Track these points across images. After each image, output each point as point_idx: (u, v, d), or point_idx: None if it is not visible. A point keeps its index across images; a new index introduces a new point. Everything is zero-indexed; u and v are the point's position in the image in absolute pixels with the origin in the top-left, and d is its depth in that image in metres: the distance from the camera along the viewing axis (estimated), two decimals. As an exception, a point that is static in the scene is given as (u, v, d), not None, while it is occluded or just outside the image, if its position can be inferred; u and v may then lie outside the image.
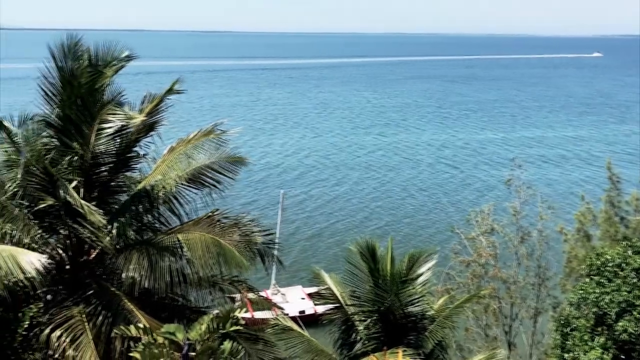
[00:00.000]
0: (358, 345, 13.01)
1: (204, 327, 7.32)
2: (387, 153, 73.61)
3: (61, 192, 10.32)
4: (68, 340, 10.19)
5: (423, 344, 12.99)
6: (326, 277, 14.31)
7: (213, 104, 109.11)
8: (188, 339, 7.02)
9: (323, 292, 14.10)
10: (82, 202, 10.19)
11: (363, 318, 13.22)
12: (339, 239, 40.42)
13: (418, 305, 12.95)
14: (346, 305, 13.63)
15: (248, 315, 11.95)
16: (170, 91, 12.69)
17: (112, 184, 12.27)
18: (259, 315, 14.45)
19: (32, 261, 10.51)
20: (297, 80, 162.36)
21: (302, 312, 27.75)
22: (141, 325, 7.37)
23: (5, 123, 11.75)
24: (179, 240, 11.61)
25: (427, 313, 13.26)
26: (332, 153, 72.15)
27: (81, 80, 11.35)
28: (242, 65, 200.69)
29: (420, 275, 13.19)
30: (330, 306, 13.89)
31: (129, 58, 12.32)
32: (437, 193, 55.72)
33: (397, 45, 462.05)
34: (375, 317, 12.94)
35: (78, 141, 11.39)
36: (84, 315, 10.66)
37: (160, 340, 6.91)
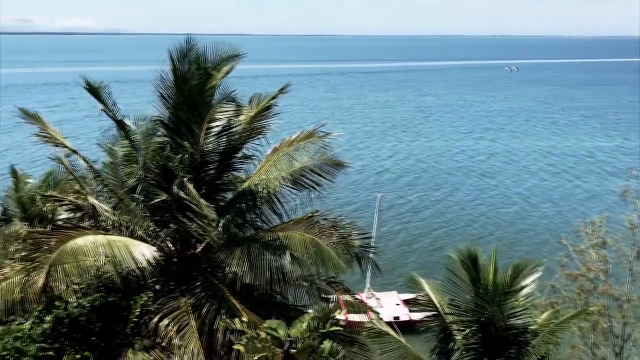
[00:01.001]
0: (456, 355, 12.65)
1: (304, 325, 7.42)
2: (491, 158, 70.95)
3: (174, 187, 10.87)
4: (174, 329, 10.73)
5: (524, 358, 12.39)
6: (424, 283, 14.05)
7: (315, 106, 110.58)
8: (289, 336, 7.15)
9: (420, 298, 13.85)
10: (197, 196, 10.65)
11: (462, 328, 12.83)
12: (436, 246, 39.56)
13: (521, 318, 12.38)
14: (444, 313, 13.30)
15: (342, 317, 12.00)
16: (277, 95, 13.04)
17: (218, 182, 12.75)
18: (352, 318, 14.46)
19: (144, 252, 11.21)
20: (398, 83, 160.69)
21: (396, 318, 27.43)
22: (245, 319, 7.60)
23: (126, 122, 12.60)
24: (279, 239, 11.89)
25: (530, 327, 12.64)
26: (432, 157, 70.66)
27: (192, 82, 11.92)
28: (344, 69, 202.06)
29: (524, 287, 12.61)
30: (427, 314, 13.62)
31: (236, 60, 12.76)
32: (543, 202, 52.79)
33: (503, 48, 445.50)
34: (474, 328, 12.52)
35: (189, 140, 11.96)
36: (189, 307, 11.18)
37: (262, 335, 7.09)
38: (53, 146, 12.91)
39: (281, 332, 7.15)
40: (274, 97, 13.26)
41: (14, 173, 16.22)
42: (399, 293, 30.24)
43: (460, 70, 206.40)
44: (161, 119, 12.23)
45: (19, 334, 10.16)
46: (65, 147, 12.99)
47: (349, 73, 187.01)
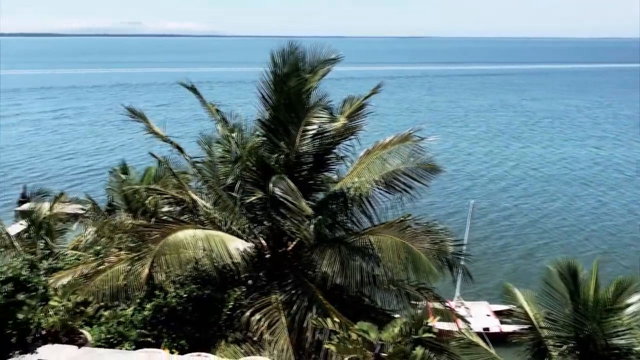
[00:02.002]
0: (551, 372, 12.03)
1: (396, 329, 7.35)
2: (594, 167, 66.53)
3: (271, 185, 11.12)
4: (265, 324, 10.98)
5: (627, 381, 11.56)
6: (519, 294, 13.46)
7: (410, 109, 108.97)
8: (380, 339, 7.11)
9: (514, 310, 13.29)
10: (297, 191, 10.83)
11: (558, 343, 12.17)
12: (531, 257, 37.71)
13: (624, 338, 11.55)
14: (539, 327, 12.68)
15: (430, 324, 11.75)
16: (370, 95, 13.03)
17: (311, 182, 12.90)
18: (441, 326, 14.13)
19: (239, 247, 11.54)
20: (498, 86, 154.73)
21: (486, 329, 26.56)
22: (337, 320, 7.65)
23: (226, 121, 13.08)
24: (370, 242, 11.84)
25: (635, 348, 11.77)
26: (531, 164, 67.32)
27: (290, 84, 12.16)
28: (441, 71, 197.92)
29: (629, 305, 11.76)
30: (521, 326, 13.05)
31: (333, 63, 12.88)
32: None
33: (608, 51, 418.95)
34: (572, 345, 11.84)
35: (285, 141, 12.21)
36: (280, 303, 11.40)
37: (354, 336, 7.09)
38: (161, 141, 13.59)
39: (372, 335, 7.12)
40: (367, 97, 13.28)
41: (123, 168, 17.24)
42: (490, 304, 29.27)
43: (564, 74, 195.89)
44: (260, 119, 12.59)
45: (122, 319, 10.82)
46: (169, 143, 13.66)
47: (446, 75, 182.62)
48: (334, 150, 12.95)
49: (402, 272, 11.91)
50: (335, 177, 13.17)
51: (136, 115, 13.85)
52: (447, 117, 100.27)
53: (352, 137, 13.03)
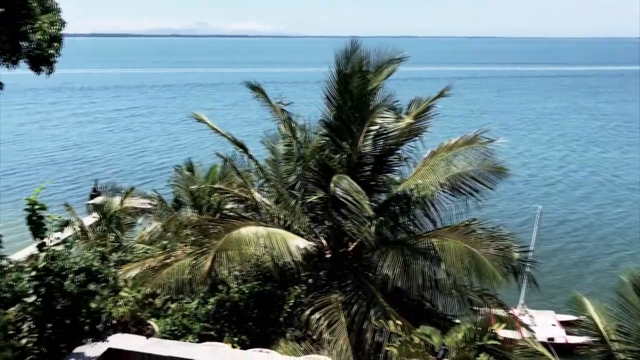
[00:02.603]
0: (622, 388, 11.45)
1: (460, 335, 7.20)
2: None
3: (332, 185, 11.13)
4: (325, 324, 10.99)
5: None
6: (588, 304, 12.88)
7: (477, 110, 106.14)
8: (443, 344, 6.99)
9: (582, 321, 12.74)
10: (359, 190, 10.80)
11: (630, 357, 11.59)
12: (603, 267, 35.85)
13: None
14: (610, 340, 12.10)
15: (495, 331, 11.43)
16: (437, 97, 12.83)
17: (373, 183, 12.83)
18: (504, 334, 13.71)
19: (299, 246, 11.63)
20: (569, 88, 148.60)
21: (550, 339, 25.64)
22: (399, 323, 7.58)
23: (290, 121, 13.21)
24: (433, 245, 11.67)
25: None
26: (608, 170, 64.12)
27: (354, 85, 12.14)
28: (511, 72, 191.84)
29: None
30: (589, 338, 12.50)
31: (398, 63, 12.75)
32: None
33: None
34: (646, 360, 11.24)
35: (348, 141, 12.19)
36: (339, 303, 11.39)
37: (416, 340, 7.00)
38: (225, 140, 13.89)
39: (435, 340, 7.00)
40: (434, 99, 13.08)
41: (189, 165, 17.72)
42: (556, 313, 28.22)
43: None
44: (324, 119, 12.63)
45: (186, 312, 11.10)
46: (233, 143, 13.94)
47: (516, 77, 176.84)
48: (398, 151, 12.83)
49: (465, 277, 11.67)
50: (398, 178, 13.04)
51: (200, 119, 14.22)
52: (519, 119, 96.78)
53: (417, 138, 12.87)
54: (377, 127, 12.18)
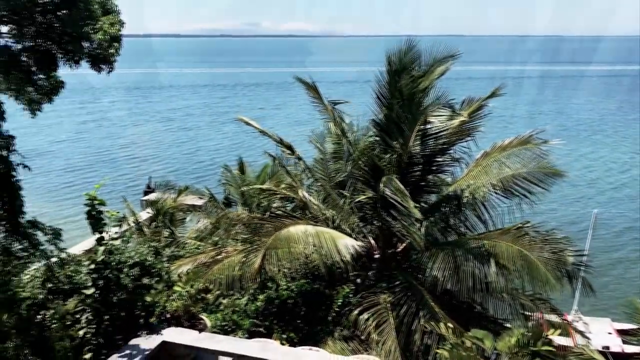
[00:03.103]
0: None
1: (513, 340, 7.03)
2: None
3: (381, 185, 11.08)
4: (373, 324, 10.95)
5: None
6: (646, 313, 12.37)
7: (532, 111, 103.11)
8: (496, 349, 6.85)
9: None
10: (406, 194, 10.72)
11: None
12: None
13: None
14: (671, 351, 11.61)
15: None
16: (490, 97, 12.58)
17: (424, 183, 12.69)
18: (556, 339, 13.32)
19: (348, 246, 11.62)
20: (627, 87, 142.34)
21: (606, 347, 24.71)
22: (450, 325, 7.47)
23: (339, 120, 13.22)
24: (484, 248, 11.45)
25: None
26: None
27: (406, 83, 12.03)
28: (568, 71, 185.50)
29: None
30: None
31: (450, 62, 12.56)
32: None
33: None
34: None
35: (398, 141, 12.10)
36: (388, 304, 11.32)
37: (467, 343, 6.89)
38: (277, 143, 14.03)
39: (487, 344, 6.86)
40: (487, 98, 12.83)
41: (240, 164, 18.01)
42: (612, 321, 27.17)
43: None
44: (374, 119, 12.59)
45: (236, 308, 11.28)
46: (279, 143, 14.07)
47: (573, 76, 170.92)
48: (449, 152, 12.64)
49: (517, 280, 11.43)
50: (449, 179, 12.86)
51: (245, 122, 14.42)
52: (578, 120, 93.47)
53: (469, 138, 12.64)
54: (428, 126, 12.04)
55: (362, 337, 11.01)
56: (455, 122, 12.36)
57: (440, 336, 10.18)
